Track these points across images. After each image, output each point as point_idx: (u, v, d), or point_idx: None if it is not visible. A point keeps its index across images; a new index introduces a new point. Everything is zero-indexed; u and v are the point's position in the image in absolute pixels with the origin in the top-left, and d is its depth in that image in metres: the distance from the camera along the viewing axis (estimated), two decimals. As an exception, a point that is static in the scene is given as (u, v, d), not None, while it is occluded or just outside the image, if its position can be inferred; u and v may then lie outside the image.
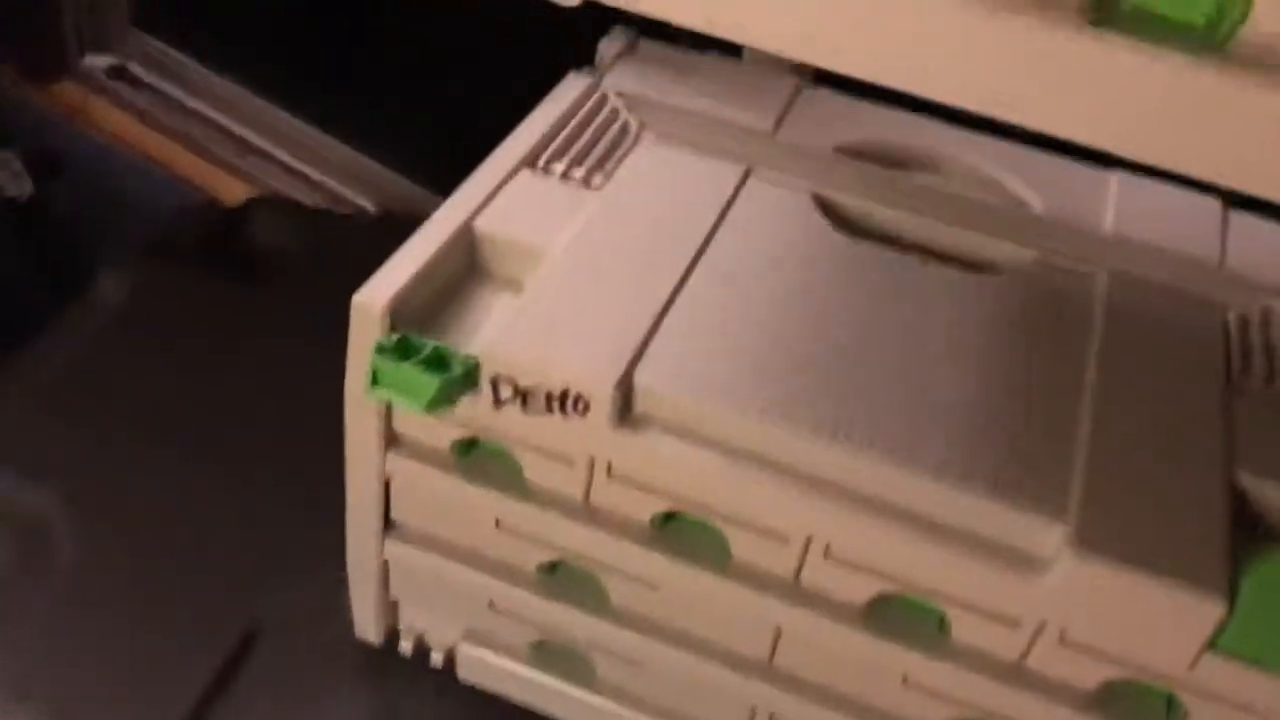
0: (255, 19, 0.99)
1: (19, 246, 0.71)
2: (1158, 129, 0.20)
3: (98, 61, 1.07)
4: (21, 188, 0.72)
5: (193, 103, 1.04)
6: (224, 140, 1.02)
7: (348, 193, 0.93)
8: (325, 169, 0.94)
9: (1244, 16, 0.19)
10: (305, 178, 0.96)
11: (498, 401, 0.32)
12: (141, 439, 0.46)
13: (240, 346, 0.51)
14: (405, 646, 0.40)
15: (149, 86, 1.06)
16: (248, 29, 1.00)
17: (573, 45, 0.44)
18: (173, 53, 1.05)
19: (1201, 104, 0.20)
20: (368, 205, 0.91)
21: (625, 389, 0.31)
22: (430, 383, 0.30)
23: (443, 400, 0.31)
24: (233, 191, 1.04)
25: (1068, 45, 0.20)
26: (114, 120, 1.03)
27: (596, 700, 0.38)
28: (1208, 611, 0.28)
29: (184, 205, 0.59)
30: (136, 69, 1.07)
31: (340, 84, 0.93)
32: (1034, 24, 0.20)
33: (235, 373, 0.50)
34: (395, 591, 0.39)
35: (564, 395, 0.31)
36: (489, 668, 0.39)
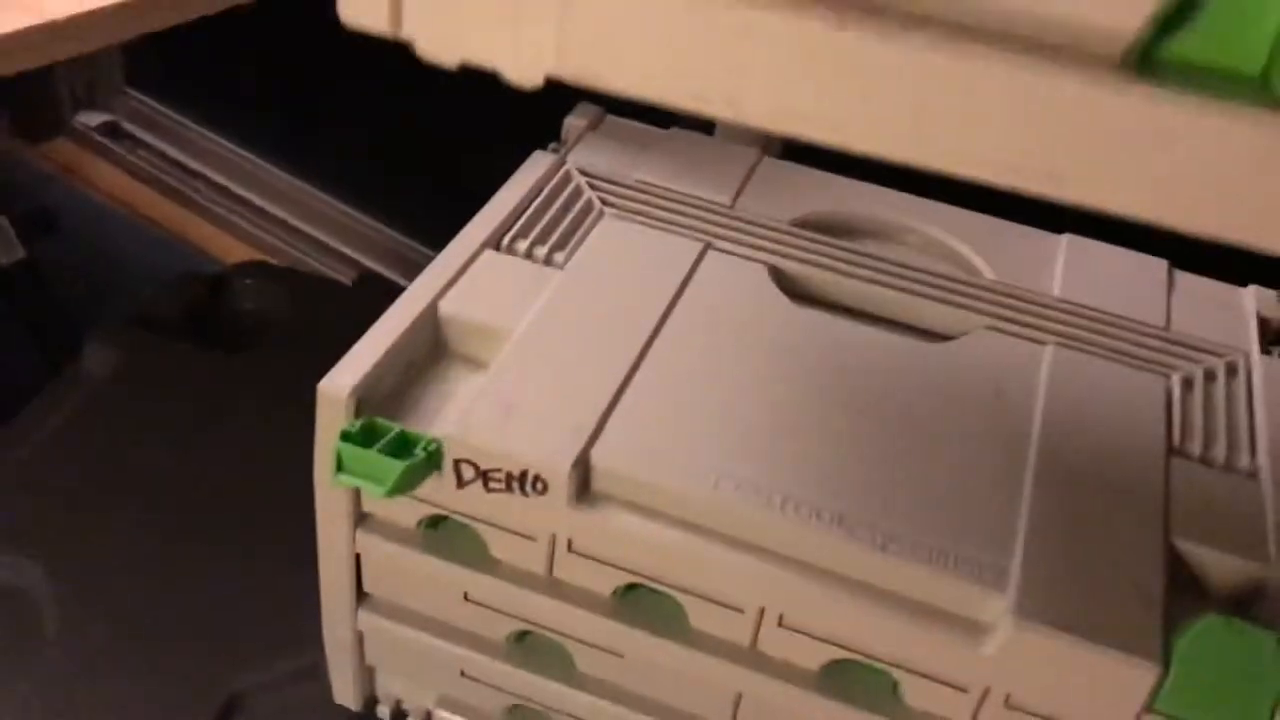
0: (246, 78, 1.01)
1: (7, 313, 0.72)
2: (1215, 196, 0.18)
3: (91, 119, 1.09)
4: (11, 254, 0.73)
5: (184, 159, 1.06)
6: (215, 196, 1.04)
7: (337, 245, 0.95)
8: (316, 224, 0.95)
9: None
10: (296, 231, 0.97)
11: (460, 483, 0.33)
12: (126, 512, 0.47)
13: (224, 417, 0.52)
14: (384, 711, 0.41)
15: (141, 143, 1.07)
16: (238, 87, 1.02)
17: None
18: (165, 110, 1.07)
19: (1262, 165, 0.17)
20: (358, 257, 0.92)
21: (582, 469, 0.32)
22: (393, 468, 0.31)
23: (406, 485, 0.32)
24: (223, 246, 1.06)
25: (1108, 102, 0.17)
26: (106, 177, 1.05)
27: (568, 764, 0.39)
28: (1142, 676, 0.29)
29: (167, 277, 0.60)
30: (129, 126, 1.09)
31: (330, 141, 0.95)
32: (1067, 77, 0.17)
33: (219, 443, 0.51)
34: (371, 659, 0.40)
35: (523, 476, 0.32)
36: (463, 733, 0.40)
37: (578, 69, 0.20)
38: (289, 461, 0.36)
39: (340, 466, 0.32)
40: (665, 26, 0.19)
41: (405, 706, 0.41)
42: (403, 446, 0.32)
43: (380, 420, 0.33)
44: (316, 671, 0.42)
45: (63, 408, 0.52)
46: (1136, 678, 0.29)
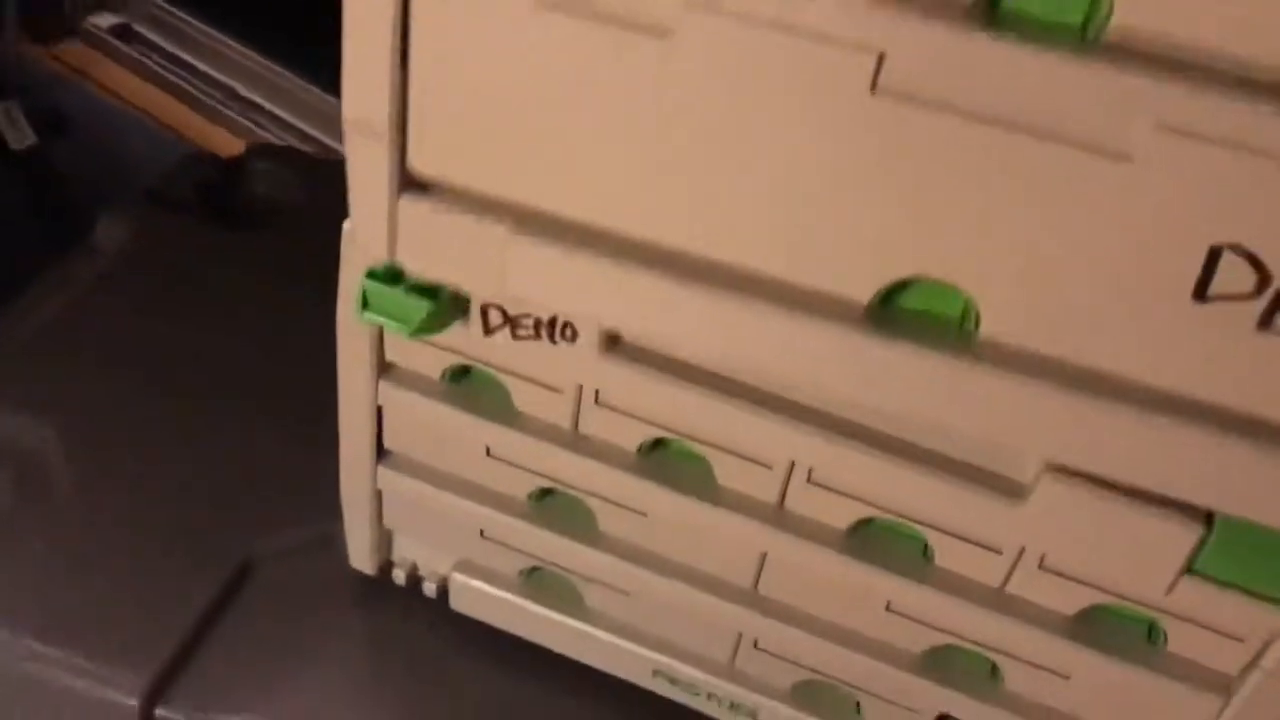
0: (258, -25, 0.99)
1: (17, 196, 0.72)
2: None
3: (102, 20, 1.07)
4: (22, 137, 0.73)
5: (196, 60, 1.04)
6: (227, 98, 1.02)
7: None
8: (325, 126, 0.94)
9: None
10: (306, 136, 0.96)
11: (487, 329, 0.32)
12: (139, 379, 0.47)
13: (236, 293, 0.51)
14: (399, 576, 0.41)
15: (153, 45, 1.06)
16: (250, -10, 1.00)
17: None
18: (176, 12, 1.06)
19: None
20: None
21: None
22: (419, 307, 0.31)
23: (431, 326, 0.31)
24: (234, 148, 1.05)
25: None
26: (117, 79, 1.03)
27: (585, 628, 0.38)
28: (1183, 535, 0.28)
29: (184, 155, 0.59)
30: (140, 28, 1.07)
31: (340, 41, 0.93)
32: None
33: (231, 319, 0.50)
34: (389, 521, 0.39)
35: (553, 323, 0.31)
36: (480, 597, 0.39)
37: None
38: (302, 339, 0.36)
39: (366, 304, 0.31)
40: None
41: (421, 571, 0.41)
42: (428, 289, 0.31)
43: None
44: (329, 542, 0.42)
45: (75, 280, 0.51)
46: (1177, 537, 0.28)
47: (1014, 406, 0.26)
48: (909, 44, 0.23)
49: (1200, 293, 0.24)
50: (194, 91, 1.04)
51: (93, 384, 0.46)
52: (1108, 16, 0.22)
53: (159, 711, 0.38)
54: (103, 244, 0.53)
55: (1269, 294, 0.23)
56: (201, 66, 1.04)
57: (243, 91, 1.04)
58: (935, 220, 0.25)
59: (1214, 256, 0.23)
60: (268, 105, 1.04)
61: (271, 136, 1.01)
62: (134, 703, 0.37)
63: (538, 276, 0.29)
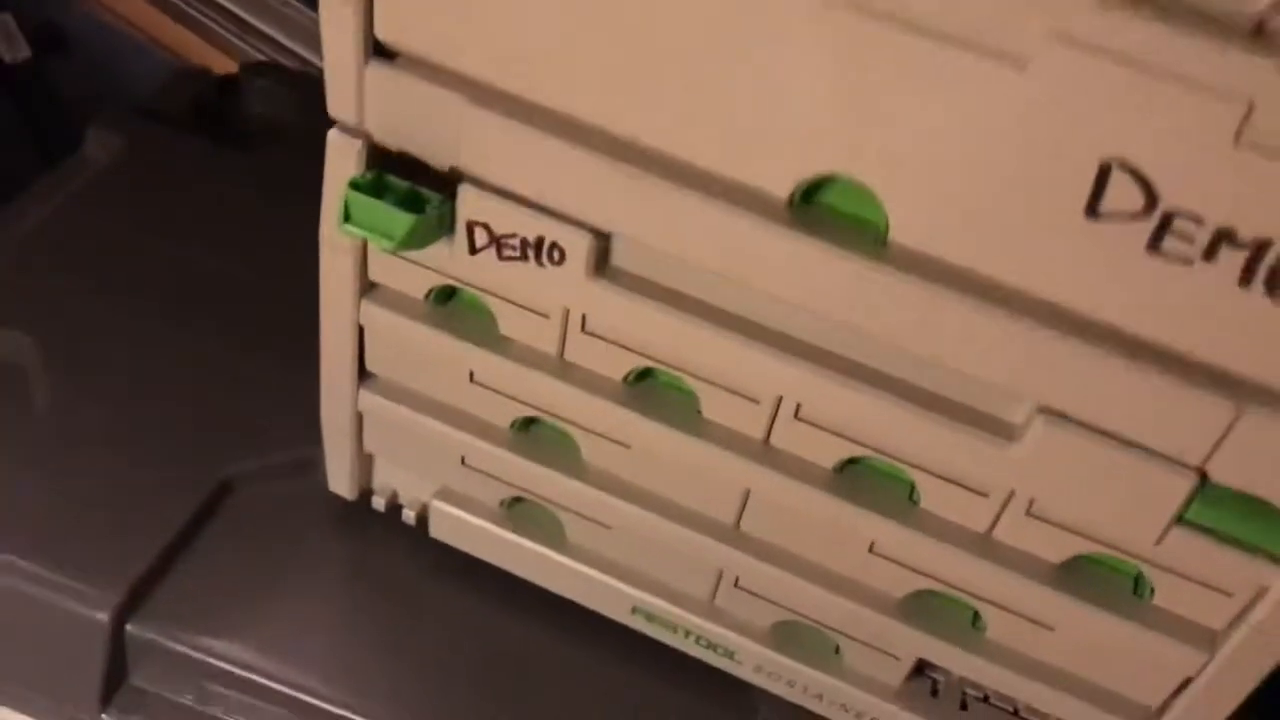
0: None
1: (8, 107, 0.70)
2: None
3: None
4: (15, 50, 0.71)
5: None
6: (224, 20, 1.01)
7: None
8: (319, 48, 0.93)
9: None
10: (302, 59, 0.95)
11: (473, 248, 0.31)
12: (124, 294, 0.46)
13: (226, 211, 0.50)
14: (379, 503, 0.40)
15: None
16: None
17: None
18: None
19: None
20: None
21: (604, 239, 0.30)
22: (403, 220, 0.30)
23: (415, 240, 0.30)
24: (229, 68, 1.03)
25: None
26: (118, -2, 1.02)
27: (565, 561, 0.38)
28: (1176, 483, 0.28)
29: (180, 69, 0.58)
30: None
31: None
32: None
33: (220, 237, 0.49)
34: (369, 446, 0.39)
35: (540, 243, 0.30)
36: (460, 525, 0.39)
37: None
38: (292, 258, 0.35)
39: (348, 216, 0.30)
40: None
41: (401, 499, 0.40)
42: (414, 202, 0.30)
43: (391, 177, 0.31)
44: (309, 467, 0.41)
45: (62, 191, 0.50)
46: (1169, 485, 0.28)
47: (920, 312, 0.27)
48: None
49: (1092, 208, 0.24)
50: (190, 10, 1.02)
51: (76, 297, 0.45)
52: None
53: (129, 628, 0.37)
54: (93, 155, 0.52)
55: (1157, 215, 0.23)
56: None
57: (238, 11, 1.02)
58: (847, 120, 0.25)
59: (1104, 173, 0.23)
60: (262, 26, 1.02)
61: (264, 57, 1.00)
62: (104, 617, 0.37)
63: (490, 151, 0.29)
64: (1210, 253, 0.24)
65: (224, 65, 1.01)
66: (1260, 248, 0.23)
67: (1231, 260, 0.24)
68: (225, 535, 0.40)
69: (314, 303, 0.34)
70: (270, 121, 0.56)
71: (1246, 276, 0.24)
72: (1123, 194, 0.24)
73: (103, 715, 0.38)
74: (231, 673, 0.37)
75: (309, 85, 0.56)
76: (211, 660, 0.37)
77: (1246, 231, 0.23)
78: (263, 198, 0.50)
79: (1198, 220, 0.24)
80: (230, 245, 0.49)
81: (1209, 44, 0.21)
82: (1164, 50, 0.22)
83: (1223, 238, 0.24)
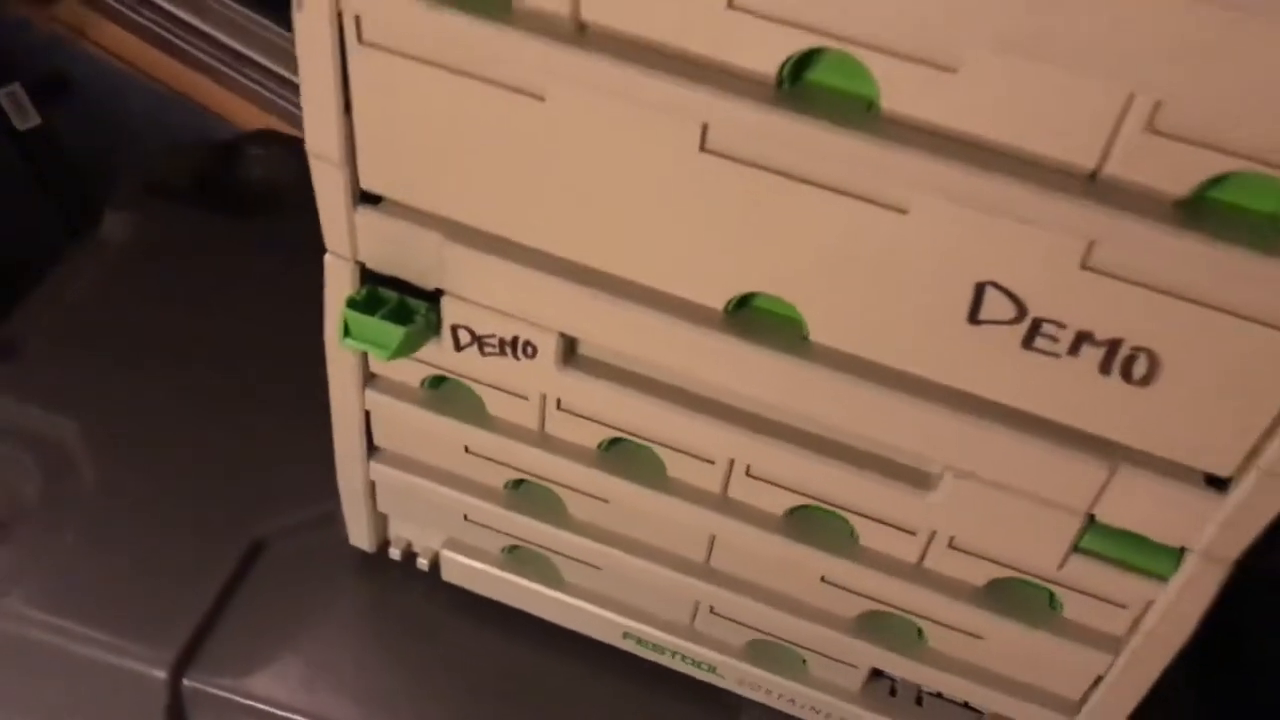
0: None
1: (27, 177, 0.75)
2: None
3: (99, -21, 1.09)
4: (25, 119, 0.75)
5: (193, 20, 1.06)
6: (224, 57, 1.04)
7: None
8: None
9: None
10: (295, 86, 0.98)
11: (458, 346, 0.36)
12: (151, 369, 0.51)
13: (239, 280, 0.55)
14: (395, 553, 0.45)
15: (150, 3, 1.08)
16: (246, -52, 1.01)
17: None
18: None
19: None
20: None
21: (570, 338, 0.35)
22: (395, 333, 0.34)
23: (407, 348, 0.35)
24: (232, 108, 1.07)
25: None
26: (115, 39, 1.05)
27: (562, 597, 0.43)
28: (1069, 522, 0.32)
29: (179, 138, 0.62)
30: (137, -14, 1.09)
31: None
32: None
33: (236, 305, 0.54)
34: (383, 506, 0.44)
35: (515, 341, 0.35)
36: (468, 570, 0.44)
37: None
38: (304, 322, 0.39)
39: (347, 332, 0.35)
40: None
41: (415, 548, 0.45)
42: (404, 313, 0.35)
43: (382, 290, 0.35)
44: (333, 519, 0.46)
45: (85, 274, 0.55)
46: (1063, 524, 0.32)
47: (837, 396, 0.32)
48: (725, 116, 0.27)
49: (974, 317, 0.29)
50: (192, 50, 1.06)
51: (109, 376, 0.50)
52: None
53: (186, 681, 0.42)
54: (110, 237, 0.57)
55: (1027, 322, 0.28)
56: (201, 25, 1.06)
57: (238, 47, 1.06)
58: (767, 251, 0.30)
59: (980, 290, 0.28)
60: (264, 61, 1.06)
61: (274, 97, 1.04)
62: (163, 675, 0.42)
63: (465, 275, 0.34)
64: (1074, 349, 0.28)
65: (227, 100, 1.05)
66: (1114, 344, 0.28)
67: (1092, 354, 0.28)
68: (261, 589, 0.45)
69: (325, 365, 0.39)
70: (270, 186, 0.60)
71: (1106, 366, 0.29)
72: (997, 306, 0.28)
73: (168, 758, 0.43)
74: (276, 713, 0.43)
75: (301, 150, 0.60)
76: (258, 704, 0.42)
77: (1101, 333, 0.28)
78: (270, 264, 0.54)
79: (1060, 325, 0.28)
80: (247, 313, 0.53)
81: (1055, 194, 0.26)
82: (1019, 200, 0.26)
83: (1083, 338, 0.28)
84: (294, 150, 0.62)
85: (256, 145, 0.62)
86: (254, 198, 0.60)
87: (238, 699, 0.42)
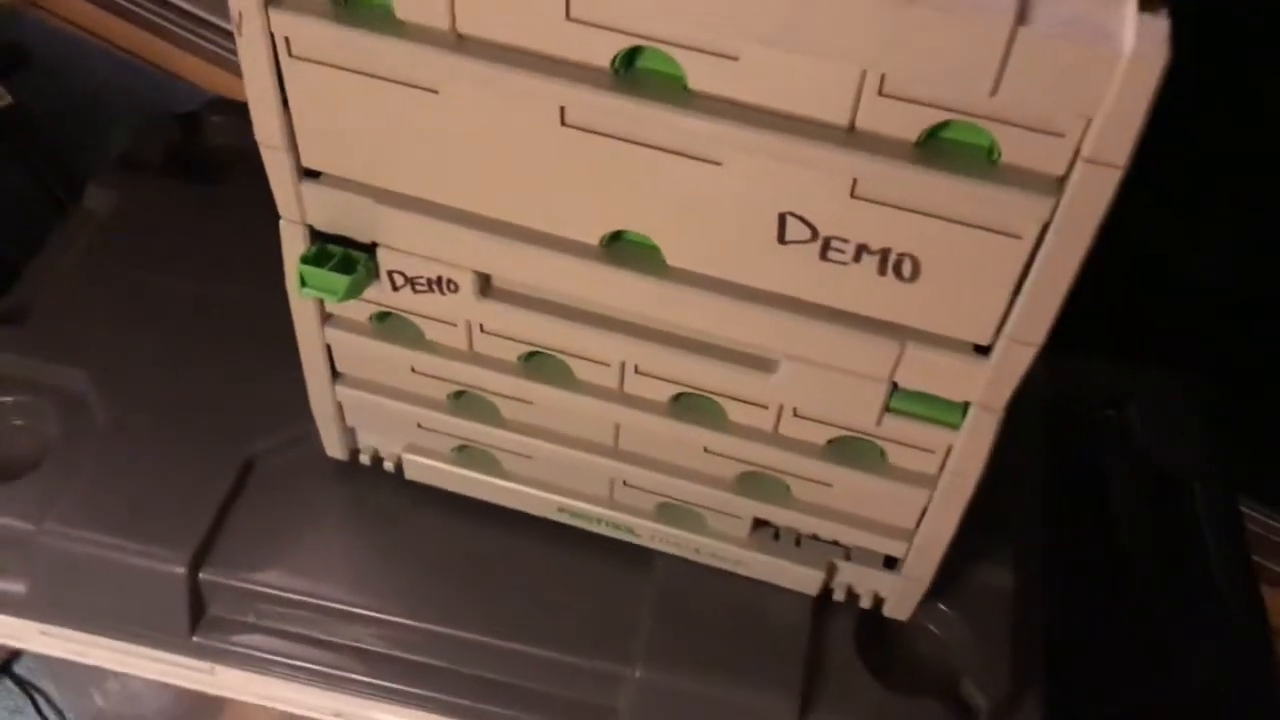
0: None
1: (8, 155, 0.82)
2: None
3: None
4: (0, 100, 0.82)
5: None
6: (179, 19, 1.11)
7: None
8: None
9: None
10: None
11: (395, 287, 0.45)
12: (147, 324, 0.59)
13: (211, 239, 0.63)
14: (364, 459, 0.55)
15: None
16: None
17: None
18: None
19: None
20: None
21: (484, 275, 0.44)
22: (342, 281, 0.43)
23: (353, 292, 0.44)
24: (194, 69, 1.14)
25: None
26: (74, 8, 1.11)
27: (505, 484, 0.52)
28: (878, 389, 0.42)
29: (145, 107, 0.70)
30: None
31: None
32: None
33: (213, 262, 0.62)
34: (350, 421, 0.53)
35: (440, 280, 0.44)
36: (426, 468, 0.53)
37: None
38: (269, 274, 0.47)
39: (304, 282, 0.43)
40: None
41: (380, 454, 0.54)
42: (348, 263, 0.44)
43: (329, 246, 0.44)
44: (310, 436, 0.55)
45: (76, 243, 0.63)
46: (874, 391, 0.42)
47: (692, 308, 0.41)
48: (576, 100, 0.36)
49: (781, 239, 0.38)
50: (146, 14, 1.12)
51: (109, 330, 0.59)
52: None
53: (202, 575, 0.52)
54: (94, 208, 0.65)
55: (820, 241, 0.37)
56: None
57: (190, 8, 1.12)
58: (624, 197, 0.39)
59: (783, 219, 0.37)
60: (216, 20, 1.12)
61: (234, 57, 1.10)
62: (182, 570, 0.51)
63: (394, 230, 0.42)
64: (857, 258, 0.37)
65: (189, 64, 1.11)
66: (885, 252, 0.37)
67: (870, 261, 0.37)
68: (256, 497, 0.54)
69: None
70: (234, 151, 0.68)
71: (882, 269, 0.38)
72: (797, 230, 0.37)
73: (193, 638, 0.53)
74: (277, 594, 0.52)
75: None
76: (262, 589, 0.52)
77: (874, 245, 0.37)
78: (237, 223, 0.62)
79: (845, 240, 0.37)
80: (217, 268, 0.62)
81: (824, 144, 0.34)
82: (799, 151, 0.35)
83: (862, 249, 0.37)
84: (247, 117, 0.70)
85: (216, 113, 0.70)
86: (217, 163, 0.68)
87: (246, 586, 0.52)
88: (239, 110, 0.69)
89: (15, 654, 0.87)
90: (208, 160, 0.69)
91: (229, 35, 1.11)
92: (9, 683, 0.85)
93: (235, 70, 1.12)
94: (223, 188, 0.66)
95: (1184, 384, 0.71)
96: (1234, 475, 0.69)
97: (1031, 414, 0.61)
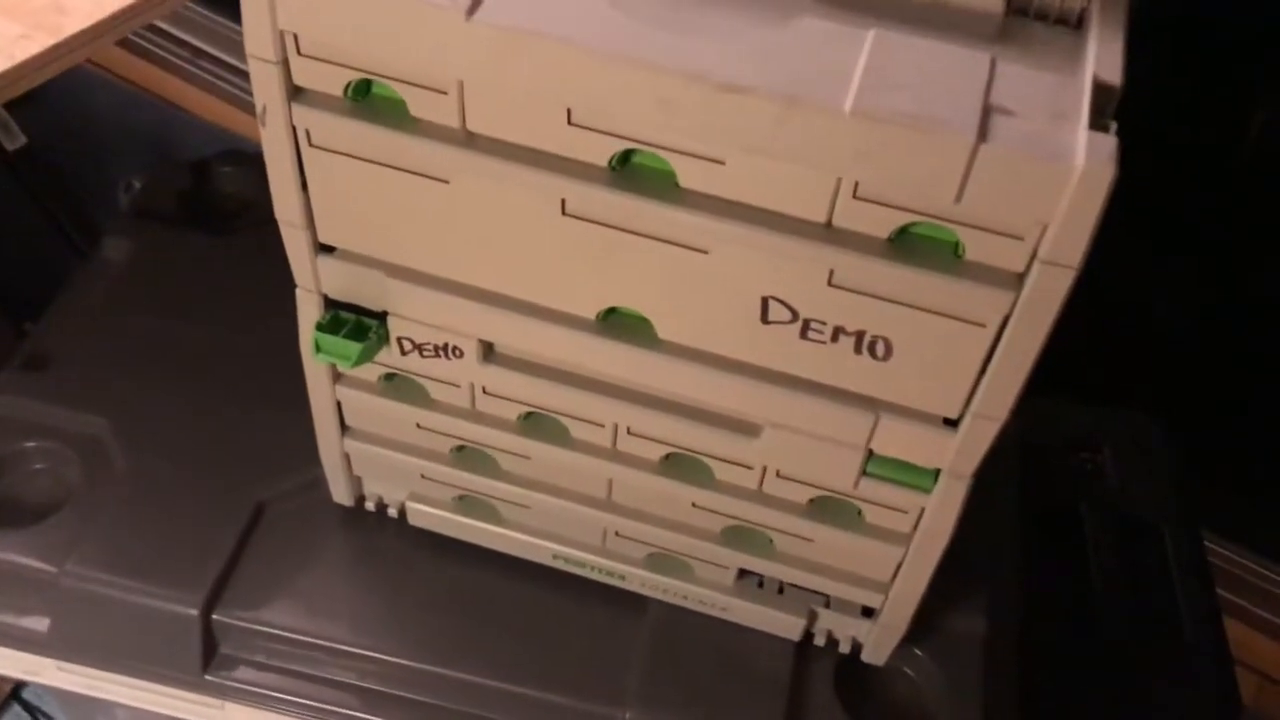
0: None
1: (23, 197, 0.84)
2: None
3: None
4: (14, 140, 0.85)
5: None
6: (184, 53, 1.13)
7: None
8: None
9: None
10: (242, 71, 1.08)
11: (403, 352, 0.48)
12: (163, 371, 0.62)
13: (223, 288, 0.66)
14: (370, 505, 0.57)
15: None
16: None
17: None
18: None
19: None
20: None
21: (487, 343, 0.47)
22: (354, 348, 0.46)
23: (365, 358, 0.47)
24: (192, 100, 1.16)
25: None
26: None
27: (503, 531, 0.55)
28: (856, 456, 0.45)
29: (153, 165, 0.72)
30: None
31: None
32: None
33: (226, 310, 0.65)
34: (357, 471, 0.56)
35: (445, 347, 0.47)
36: (428, 516, 0.56)
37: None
38: (280, 323, 0.50)
39: (318, 348, 0.46)
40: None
41: (385, 501, 0.57)
42: (360, 330, 0.47)
43: (343, 314, 0.47)
44: (319, 483, 0.57)
45: (93, 291, 0.66)
46: (852, 457, 0.45)
47: (681, 376, 0.44)
48: (576, 193, 0.39)
49: (764, 319, 0.40)
50: (153, 48, 1.15)
51: (127, 378, 0.61)
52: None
53: (214, 616, 0.54)
54: (110, 257, 0.67)
55: (800, 322, 0.40)
56: (161, 24, 1.15)
57: (196, 43, 1.15)
58: (619, 278, 0.42)
59: (766, 302, 0.40)
60: (221, 55, 1.15)
61: (229, 87, 1.13)
62: (195, 612, 0.54)
63: (403, 301, 0.45)
64: (834, 338, 0.40)
65: (187, 93, 1.14)
66: (860, 334, 0.40)
67: (846, 341, 0.40)
68: (266, 541, 0.57)
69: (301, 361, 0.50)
70: (241, 201, 0.71)
71: (858, 348, 0.41)
72: (779, 312, 0.40)
73: (205, 675, 0.55)
74: (286, 635, 0.55)
75: (264, 166, 0.71)
76: (271, 630, 0.55)
77: (850, 327, 0.40)
78: (249, 274, 0.65)
79: (823, 323, 0.40)
80: (230, 316, 0.64)
81: (803, 239, 0.37)
82: (780, 244, 0.38)
83: (839, 330, 0.40)
84: (256, 167, 0.73)
85: (225, 164, 0.73)
86: (227, 212, 0.71)
87: (256, 627, 0.55)
88: (248, 161, 0.72)
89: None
90: (217, 209, 0.71)
91: (229, 67, 1.14)
92: (18, 708, 0.88)
93: (237, 103, 1.15)
94: (234, 237, 0.69)
95: (1154, 428, 0.74)
96: (1200, 517, 0.72)
97: (1006, 458, 0.64)
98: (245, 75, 1.18)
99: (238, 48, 1.19)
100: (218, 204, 0.72)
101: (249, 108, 1.19)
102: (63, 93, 1.08)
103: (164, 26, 1.16)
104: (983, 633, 0.56)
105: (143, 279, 0.66)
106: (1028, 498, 0.64)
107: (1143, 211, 0.74)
